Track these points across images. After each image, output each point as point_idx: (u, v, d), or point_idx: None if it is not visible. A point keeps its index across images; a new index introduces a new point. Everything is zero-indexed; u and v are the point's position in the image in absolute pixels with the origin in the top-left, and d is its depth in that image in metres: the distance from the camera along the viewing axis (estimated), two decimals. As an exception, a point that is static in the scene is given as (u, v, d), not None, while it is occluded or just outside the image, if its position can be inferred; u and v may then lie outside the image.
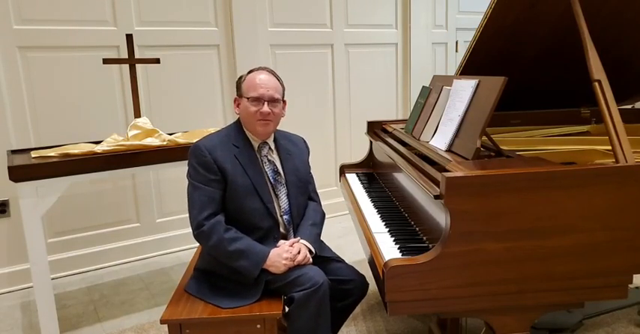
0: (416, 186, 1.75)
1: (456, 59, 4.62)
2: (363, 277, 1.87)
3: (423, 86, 2.24)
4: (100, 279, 3.01)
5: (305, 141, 2.07)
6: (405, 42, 4.31)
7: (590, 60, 1.66)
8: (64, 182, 2.20)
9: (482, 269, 1.42)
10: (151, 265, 3.20)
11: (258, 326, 1.68)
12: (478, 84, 1.75)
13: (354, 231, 2.29)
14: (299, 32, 3.75)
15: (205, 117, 3.38)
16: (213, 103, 3.46)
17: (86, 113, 3.01)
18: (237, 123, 1.89)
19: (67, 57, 2.93)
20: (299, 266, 1.73)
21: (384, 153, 2.31)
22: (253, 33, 3.49)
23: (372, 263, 1.64)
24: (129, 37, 2.62)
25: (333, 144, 4.07)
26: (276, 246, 1.79)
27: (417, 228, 1.80)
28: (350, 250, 3.14)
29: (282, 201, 1.87)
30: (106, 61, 2.64)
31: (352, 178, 2.60)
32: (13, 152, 2.46)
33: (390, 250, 1.61)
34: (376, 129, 2.69)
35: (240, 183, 1.78)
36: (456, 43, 4.65)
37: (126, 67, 2.75)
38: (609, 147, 1.59)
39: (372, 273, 1.63)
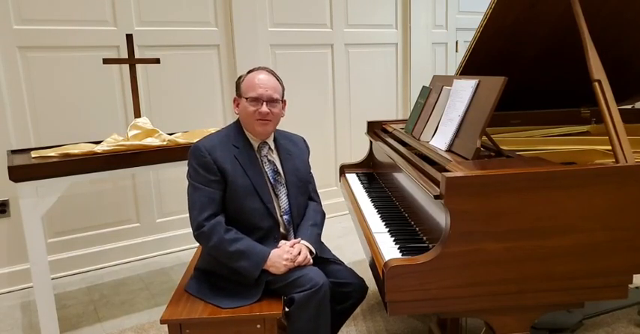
0: (416, 186, 1.75)
1: (456, 59, 4.62)
2: (362, 280, 1.87)
3: (423, 86, 2.24)
4: (100, 279, 3.01)
5: (305, 141, 2.07)
6: (405, 42, 4.31)
7: (590, 60, 1.66)
8: (64, 182, 2.20)
9: (482, 269, 1.42)
10: (151, 265, 3.20)
11: (258, 326, 1.68)
12: (478, 85, 1.75)
13: (354, 231, 2.29)
14: (299, 32, 3.75)
15: (205, 117, 3.38)
16: (213, 103, 3.46)
17: (86, 113, 3.01)
18: (237, 124, 1.89)
19: (67, 57, 2.93)
20: (299, 267, 1.73)
21: (384, 153, 2.31)
22: (253, 33, 3.49)
23: (372, 263, 1.64)
24: (129, 37, 2.62)
25: (333, 144, 4.07)
26: (276, 247, 1.79)
27: (417, 228, 1.80)
28: (350, 250, 3.14)
29: (282, 201, 1.87)
30: (106, 61, 2.64)
31: (352, 178, 2.60)
32: (13, 152, 2.46)
33: (390, 250, 1.61)
34: (376, 129, 2.69)
35: (240, 184, 1.78)
36: (456, 43, 4.65)
37: (126, 67, 2.75)
38: (609, 147, 1.59)
39: (372, 273, 1.63)
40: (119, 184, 3.19)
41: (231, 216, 1.79)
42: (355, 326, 2.36)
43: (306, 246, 1.80)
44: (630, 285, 1.51)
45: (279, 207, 1.87)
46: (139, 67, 2.75)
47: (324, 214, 2.02)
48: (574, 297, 1.50)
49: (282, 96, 1.88)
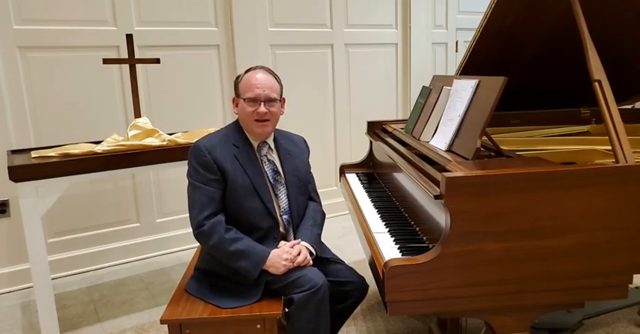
0: (416, 186, 1.74)
1: (456, 59, 4.62)
2: (362, 279, 1.87)
3: (423, 86, 2.24)
4: (100, 279, 3.01)
5: (305, 141, 2.07)
6: (405, 42, 4.31)
7: (590, 60, 1.66)
8: (64, 182, 2.20)
9: (482, 269, 1.42)
10: (151, 265, 3.20)
11: (258, 326, 1.68)
12: (478, 85, 1.75)
13: (354, 231, 2.29)
14: (299, 32, 3.75)
15: (205, 117, 3.38)
16: (213, 103, 3.46)
17: (86, 113, 3.01)
18: (237, 123, 1.89)
19: (67, 57, 2.93)
20: (299, 267, 1.73)
21: (384, 153, 2.31)
22: (253, 33, 3.49)
23: (372, 263, 1.64)
24: (129, 37, 2.62)
25: (333, 144, 4.07)
26: (276, 247, 1.79)
27: (417, 228, 1.80)
28: (350, 250, 3.14)
29: (281, 201, 1.87)
30: (106, 61, 2.64)
31: (352, 178, 2.60)
32: (13, 152, 2.46)
33: (390, 250, 1.61)
34: (376, 129, 2.69)
35: (239, 183, 1.78)
36: (456, 43, 4.65)
37: (126, 67, 2.75)
38: (609, 147, 1.59)
39: (372, 273, 1.63)
40: (119, 184, 3.19)
41: (231, 215, 1.79)
42: (355, 326, 2.36)
43: (307, 247, 1.80)
44: (630, 285, 1.51)
45: (279, 206, 1.87)
46: (139, 67, 2.75)
47: (324, 214, 2.02)
48: (574, 297, 1.50)
49: (281, 95, 1.87)
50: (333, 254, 1.95)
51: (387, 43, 4.23)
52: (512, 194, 1.40)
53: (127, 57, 2.65)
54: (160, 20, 3.18)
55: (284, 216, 1.87)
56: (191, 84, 3.35)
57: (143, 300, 2.74)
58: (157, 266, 3.17)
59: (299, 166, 1.95)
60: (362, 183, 2.50)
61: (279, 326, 1.76)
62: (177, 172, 2.28)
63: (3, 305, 2.74)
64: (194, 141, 1.88)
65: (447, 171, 1.50)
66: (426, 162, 1.76)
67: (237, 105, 1.87)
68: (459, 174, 1.42)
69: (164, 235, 3.36)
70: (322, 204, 2.07)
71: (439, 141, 1.88)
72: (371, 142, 2.72)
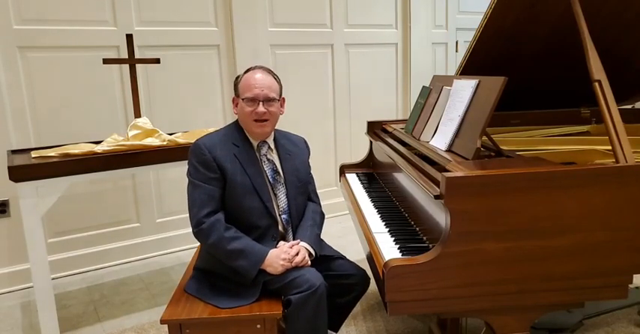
0: (416, 186, 1.75)
1: (456, 59, 4.62)
2: (364, 271, 1.87)
3: (423, 86, 2.24)
4: (100, 279, 3.01)
5: (306, 142, 2.07)
6: (405, 42, 4.31)
7: (590, 60, 1.66)
8: (64, 182, 2.20)
9: (482, 269, 1.42)
10: (151, 265, 3.20)
11: (258, 326, 1.68)
12: (478, 85, 1.75)
13: (354, 231, 2.29)
14: (299, 32, 3.75)
15: (205, 117, 3.38)
16: (213, 103, 3.46)
17: (86, 113, 3.01)
18: (237, 123, 1.90)
19: (67, 57, 2.93)
20: (297, 267, 1.73)
21: (384, 153, 2.31)
22: (253, 33, 3.49)
23: (372, 263, 1.64)
24: (129, 37, 2.62)
25: (333, 144, 4.07)
26: (274, 246, 1.79)
27: (417, 228, 1.80)
28: (350, 250, 3.12)
29: (280, 201, 1.87)
30: (106, 61, 2.64)
31: (352, 178, 2.60)
32: (13, 152, 2.46)
33: (390, 250, 1.61)
34: (376, 129, 2.69)
35: (239, 182, 1.78)
36: (456, 43, 4.65)
37: (126, 67, 2.75)
38: (609, 147, 1.59)
39: (372, 273, 1.63)
40: (119, 184, 3.19)
41: (230, 214, 1.79)
42: (355, 326, 2.36)
43: (306, 248, 1.80)
44: (630, 285, 1.51)
45: (278, 206, 1.87)
46: (139, 66, 2.75)
47: (323, 215, 2.02)
48: (574, 297, 1.50)
49: (280, 94, 1.88)
50: (334, 250, 1.96)
51: (387, 43, 4.23)
52: (512, 194, 1.40)
53: (127, 57, 2.65)
54: (159, 20, 3.18)
55: (283, 216, 1.87)
56: (191, 84, 3.35)
57: (143, 300, 2.74)
58: (157, 266, 3.17)
59: (299, 167, 1.95)
60: (362, 183, 2.50)
61: (279, 327, 1.76)
62: (178, 172, 2.28)
63: (3, 305, 2.74)
64: (194, 140, 1.89)
65: (447, 171, 1.50)
66: (426, 162, 1.76)
67: (236, 105, 1.87)
68: (459, 174, 1.42)
69: (164, 235, 3.36)
70: (322, 204, 2.07)
71: (439, 141, 1.88)
72: (371, 142, 2.72)
